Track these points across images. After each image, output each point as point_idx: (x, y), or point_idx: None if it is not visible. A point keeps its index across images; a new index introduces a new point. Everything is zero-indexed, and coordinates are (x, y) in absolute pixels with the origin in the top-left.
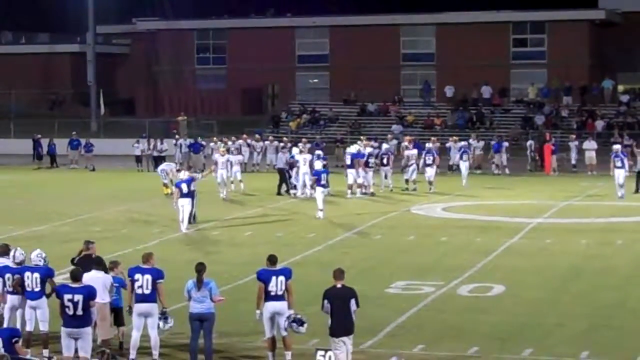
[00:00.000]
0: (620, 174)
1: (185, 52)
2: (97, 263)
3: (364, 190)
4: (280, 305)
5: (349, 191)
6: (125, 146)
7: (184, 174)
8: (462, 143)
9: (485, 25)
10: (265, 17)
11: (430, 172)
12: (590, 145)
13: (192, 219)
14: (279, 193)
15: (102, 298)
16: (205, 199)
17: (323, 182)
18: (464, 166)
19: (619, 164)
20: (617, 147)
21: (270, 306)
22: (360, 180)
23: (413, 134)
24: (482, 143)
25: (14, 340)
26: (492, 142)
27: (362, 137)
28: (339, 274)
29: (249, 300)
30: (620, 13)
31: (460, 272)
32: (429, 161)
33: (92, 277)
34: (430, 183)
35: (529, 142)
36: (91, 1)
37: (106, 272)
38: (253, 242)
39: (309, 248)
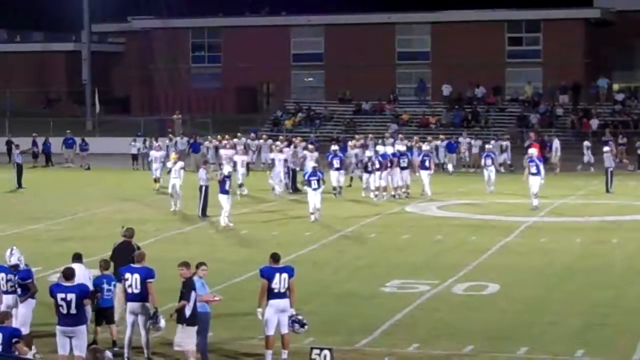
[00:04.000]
0: (535, 182)
1: (181, 50)
2: (78, 257)
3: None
4: (284, 303)
5: (384, 193)
6: (120, 145)
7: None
8: (487, 146)
9: (480, 24)
10: (260, 16)
11: (403, 175)
12: (556, 144)
13: (202, 212)
14: (295, 189)
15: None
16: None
17: (314, 183)
18: (488, 172)
19: (534, 170)
20: (532, 151)
21: (275, 304)
22: (383, 183)
23: (408, 132)
24: (479, 142)
25: (14, 340)
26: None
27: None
28: (189, 265)
29: (244, 299)
30: (615, 12)
31: (455, 270)
32: (403, 164)
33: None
34: (406, 187)
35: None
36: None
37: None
38: (249, 240)
39: (304, 247)
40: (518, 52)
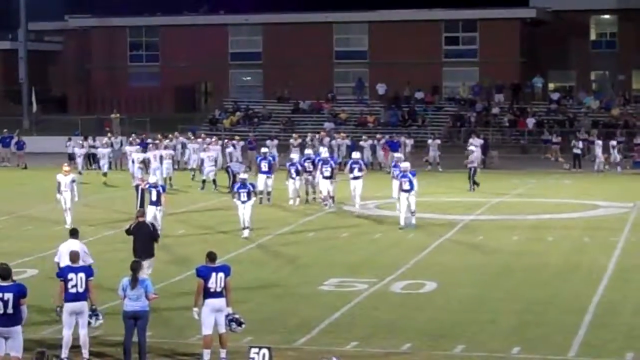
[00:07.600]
0: (411, 199)
1: (118, 49)
2: (74, 233)
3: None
4: (220, 302)
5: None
6: (57, 144)
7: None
8: (403, 165)
9: (417, 24)
10: (198, 15)
11: (325, 184)
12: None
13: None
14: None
15: (85, 260)
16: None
17: (243, 196)
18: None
19: (406, 186)
20: (405, 165)
21: (211, 303)
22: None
23: (346, 131)
24: (412, 140)
25: None
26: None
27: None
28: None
29: (182, 298)
30: (550, 11)
31: (393, 269)
32: (326, 173)
33: (69, 245)
34: (331, 198)
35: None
36: None
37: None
38: (185, 240)
39: (242, 246)
40: (455, 52)
